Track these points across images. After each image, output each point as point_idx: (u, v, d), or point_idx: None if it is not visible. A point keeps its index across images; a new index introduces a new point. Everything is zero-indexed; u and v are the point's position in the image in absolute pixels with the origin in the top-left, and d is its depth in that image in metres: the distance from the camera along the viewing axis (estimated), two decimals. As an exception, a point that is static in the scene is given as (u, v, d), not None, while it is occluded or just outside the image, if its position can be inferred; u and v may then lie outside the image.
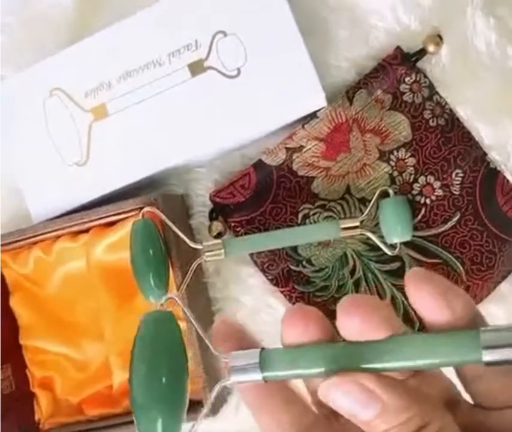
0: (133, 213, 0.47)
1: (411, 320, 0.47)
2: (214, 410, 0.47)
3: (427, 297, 0.22)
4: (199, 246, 0.46)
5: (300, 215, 0.49)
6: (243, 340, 0.25)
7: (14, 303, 0.52)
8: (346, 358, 0.22)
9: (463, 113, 0.48)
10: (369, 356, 0.22)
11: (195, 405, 0.47)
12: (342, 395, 0.21)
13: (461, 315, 0.22)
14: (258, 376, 0.23)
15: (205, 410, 0.25)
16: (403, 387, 0.21)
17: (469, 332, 0.21)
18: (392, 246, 0.47)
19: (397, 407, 0.21)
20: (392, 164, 0.48)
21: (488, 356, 0.20)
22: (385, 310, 0.23)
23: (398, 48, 0.48)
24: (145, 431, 0.24)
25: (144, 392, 0.23)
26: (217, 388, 0.24)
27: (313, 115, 0.48)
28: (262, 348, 0.24)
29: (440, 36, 0.47)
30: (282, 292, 0.49)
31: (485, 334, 0.21)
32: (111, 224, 0.49)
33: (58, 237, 0.50)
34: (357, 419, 0.21)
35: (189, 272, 0.46)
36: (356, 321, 0.22)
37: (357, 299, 0.23)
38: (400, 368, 0.22)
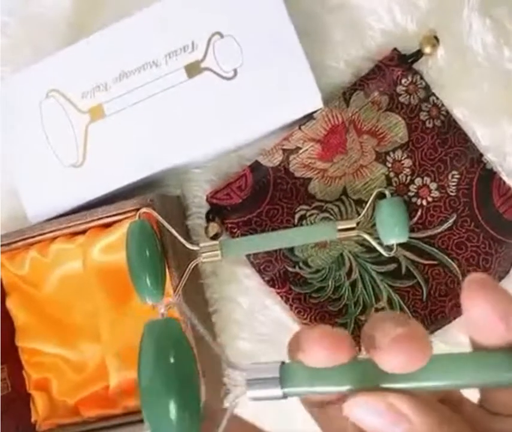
0: (129, 214, 0.47)
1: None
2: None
3: (484, 313, 0.21)
4: (196, 248, 0.46)
5: (297, 216, 0.49)
6: None
7: (11, 304, 0.52)
8: (373, 376, 0.21)
9: (459, 114, 0.48)
10: (397, 375, 0.21)
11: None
12: (369, 414, 0.21)
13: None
14: (277, 391, 0.22)
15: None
16: (430, 407, 0.21)
17: (507, 352, 0.21)
18: (388, 248, 0.47)
19: (424, 428, 0.20)
20: (389, 165, 0.48)
21: None
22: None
23: (395, 49, 0.48)
24: (156, 418, 0.22)
25: (152, 375, 0.22)
26: (233, 403, 0.23)
27: (309, 116, 0.48)
28: (283, 362, 0.22)
29: (436, 38, 0.47)
30: (278, 293, 0.49)
31: None
32: (108, 225, 0.49)
33: (54, 238, 0.50)
34: None
35: (185, 273, 0.46)
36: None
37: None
38: (427, 387, 0.21)
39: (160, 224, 0.45)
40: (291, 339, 0.23)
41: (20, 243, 0.50)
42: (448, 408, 0.22)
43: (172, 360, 0.22)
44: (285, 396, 0.22)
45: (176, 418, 0.22)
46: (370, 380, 0.21)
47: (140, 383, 0.23)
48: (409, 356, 0.20)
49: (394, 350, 0.20)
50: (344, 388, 0.22)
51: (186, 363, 0.23)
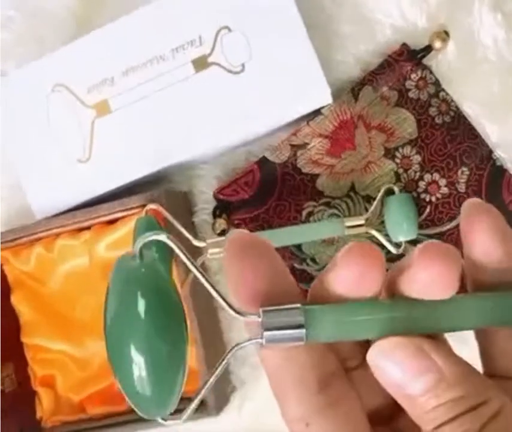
0: (136, 210, 0.47)
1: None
2: (217, 410, 0.47)
3: (482, 234, 0.20)
4: (202, 244, 0.46)
5: (304, 213, 0.49)
6: (278, 275, 0.20)
7: (16, 300, 0.52)
8: (405, 320, 0.20)
9: (469, 110, 0.47)
10: (426, 316, 0.20)
11: (202, 405, 0.47)
12: (395, 362, 0.19)
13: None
14: (299, 333, 0.19)
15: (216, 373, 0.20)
16: (463, 360, 0.19)
17: None
18: (397, 245, 0.46)
19: (455, 380, 0.18)
20: (398, 161, 0.48)
21: None
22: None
23: (404, 44, 0.47)
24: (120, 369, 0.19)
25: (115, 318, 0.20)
26: (240, 346, 0.20)
27: (318, 112, 0.47)
28: (301, 304, 0.19)
29: (446, 33, 0.47)
30: (285, 290, 0.49)
31: None
32: (114, 221, 0.48)
33: (60, 234, 0.49)
34: (403, 393, 0.19)
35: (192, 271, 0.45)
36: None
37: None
38: (465, 327, 0.20)
39: (167, 220, 0.45)
40: (313, 283, 0.21)
41: (25, 239, 0.50)
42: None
43: (141, 309, 0.19)
44: (307, 339, 0.19)
45: (140, 381, 0.19)
46: (407, 324, 0.20)
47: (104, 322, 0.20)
48: (438, 260, 0.19)
49: (423, 258, 0.19)
50: (377, 333, 0.20)
51: (164, 316, 0.20)
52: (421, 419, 0.19)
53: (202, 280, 0.20)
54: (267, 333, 0.19)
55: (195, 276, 0.45)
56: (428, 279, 0.19)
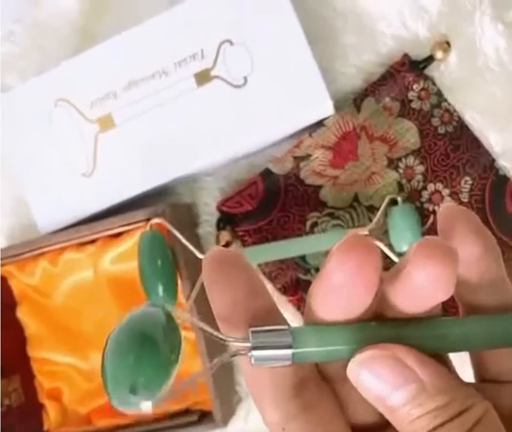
0: (140, 224, 0.47)
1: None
2: (224, 421, 0.47)
3: (461, 232, 0.20)
4: (207, 257, 0.46)
5: (308, 224, 0.49)
6: (253, 290, 0.19)
7: (22, 314, 0.52)
8: (389, 333, 0.19)
9: (471, 119, 0.47)
10: (417, 335, 0.19)
11: (206, 417, 0.47)
12: (373, 374, 0.18)
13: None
14: (285, 352, 0.19)
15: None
16: (443, 368, 0.19)
17: None
18: (401, 255, 0.46)
19: (434, 390, 0.18)
20: (401, 171, 0.48)
21: None
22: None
23: (406, 55, 0.47)
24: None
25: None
26: (227, 357, 0.20)
27: (320, 123, 0.48)
28: (289, 326, 0.20)
29: (448, 43, 0.47)
30: (290, 301, 0.49)
31: None
32: (118, 234, 0.48)
33: (64, 248, 0.50)
34: (385, 405, 0.18)
35: (197, 283, 0.46)
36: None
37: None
38: (450, 348, 0.20)
39: (172, 234, 0.45)
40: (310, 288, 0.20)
41: (29, 254, 0.50)
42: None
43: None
44: (293, 358, 0.19)
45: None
46: (385, 337, 0.19)
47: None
48: (437, 259, 0.18)
49: (420, 256, 0.18)
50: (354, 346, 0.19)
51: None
52: (405, 430, 0.18)
53: (206, 329, 0.20)
54: (255, 353, 0.19)
55: (198, 292, 0.45)
56: (425, 279, 0.18)
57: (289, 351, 0.19)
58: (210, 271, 0.19)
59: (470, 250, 0.20)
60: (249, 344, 0.19)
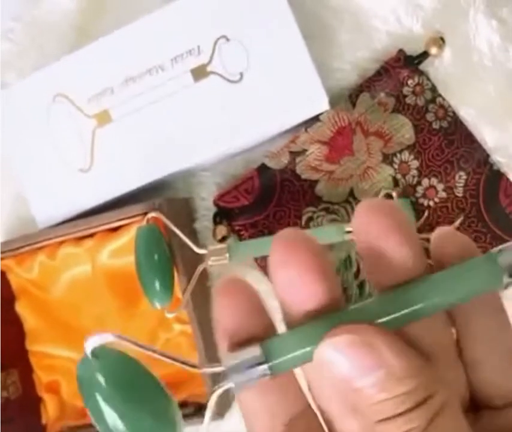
0: (137, 218, 0.47)
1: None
2: (220, 414, 0.47)
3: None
4: (204, 251, 0.46)
5: (304, 218, 0.49)
6: (256, 312, 0.20)
7: (20, 308, 0.53)
8: (366, 316, 0.19)
9: (466, 115, 0.48)
10: (386, 310, 0.19)
11: (202, 409, 0.48)
12: (340, 355, 0.18)
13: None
14: (262, 368, 0.19)
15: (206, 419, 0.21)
16: (412, 351, 0.19)
17: (484, 256, 0.19)
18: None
19: (402, 374, 0.18)
20: (396, 166, 0.48)
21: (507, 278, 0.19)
22: None
23: (401, 51, 0.48)
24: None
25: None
26: (214, 396, 0.20)
27: (316, 118, 0.48)
28: (262, 341, 0.19)
29: (442, 39, 0.47)
30: (286, 295, 0.49)
31: (504, 255, 0.19)
32: (116, 229, 0.49)
33: (62, 242, 0.50)
34: (351, 387, 0.18)
35: (193, 277, 0.46)
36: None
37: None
38: (418, 312, 0.19)
39: (168, 228, 0.45)
40: None
41: (28, 248, 0.50)
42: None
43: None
44: (272, 374, 0.19)
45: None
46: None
47: None
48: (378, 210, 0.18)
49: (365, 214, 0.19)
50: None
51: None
52: (367, 410, 0.18)
53: (151, 352, 0.20)
54: (233, 379, 0.19)
55: (195, 286, 0.45)
56: (375, 234, 0.19)
57: (265, 367, 0.19)
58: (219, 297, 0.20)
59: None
60: (221, 369, 0.19)
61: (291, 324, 0.20)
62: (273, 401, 0.20)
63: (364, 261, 0.20)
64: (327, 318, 0.19)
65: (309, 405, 0.20)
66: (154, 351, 0.20)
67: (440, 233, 0.21)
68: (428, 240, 0.47)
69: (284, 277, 0.19)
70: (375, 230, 0.19)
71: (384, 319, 0.19)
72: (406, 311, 0.19)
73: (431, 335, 0.20)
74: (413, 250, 0.19)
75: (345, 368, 0.18)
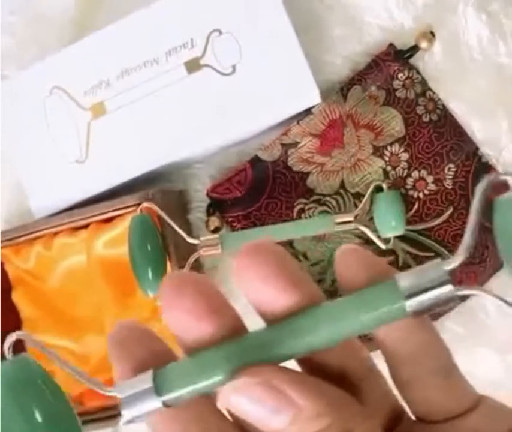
0: (131, 208, 0.48)
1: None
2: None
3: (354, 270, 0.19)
4: (196, 241, 0.47)
5: (296, 210, 0.50)
6: (151, 346, 0.20)
7: (17, 297, 0.54)
8: (254, 350, 0.18)
9: (455, 108, 0.48)
10: (281, 339, 0.18)
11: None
12: (247, 401, 0.17)
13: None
14: (156, 404, 0.18)
15: None
16: (321, 387, 0.18)
17: (386, 282, 0.18)
18: (386, 240, 0.48)
19: (313, 413, 0.17)
20: (386, 159, 0.49)
21: (411, 304, 0.18)
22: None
23: (391, 45, 0.48)
24: None
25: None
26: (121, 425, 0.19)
27: (308, 111, 0.49)
28: (156, 368, 0.19)
29: (432, 33, 0.48)
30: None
31: (404, 280, 0.18)
32: (111, 219, 0.50)
33: (58, 232, 0.51)
34: (267, 427, 0.18)
35: (186, 267, 0.47)
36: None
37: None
38: (319, 344, 0.18)
39: (162, 218, 0.46)
40: None
41: (24, 238, 0.51)
42: (350, 395, 0.19)
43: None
44: (166, 405, 0.18)
45: None
46: (256, 354, 0.18)
47: None
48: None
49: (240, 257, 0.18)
50: (225, 375, 0.18)
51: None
52: None
53: (64, 366, 0.20)
54: (126, 412, 0.19)
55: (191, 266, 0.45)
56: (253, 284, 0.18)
57: (157, 398, 0.18)
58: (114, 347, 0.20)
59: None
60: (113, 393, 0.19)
61: (188, 351, 0.19)
62: (187, 423, 0.19)
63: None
64: (225, 348, 0.18)
65: (234, 422, 0.19)
66: (66, 364, 0.20)
67: (343, 250, 0.20)
68: (417, 231, 0.48)
69: (174, 319, 0.18)
70: (254, 281, 0.18)
71: (283, 352, 0.18)
72: (293, 344, 0.18)
73: (350, 361, 0.20)
74: (298, 290, 0.18)
75: (253, 411, 0.17)
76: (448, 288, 0.18)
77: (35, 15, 0.57)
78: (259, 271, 0.18)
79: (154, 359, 0.19)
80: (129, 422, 0.19)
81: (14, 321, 0.54)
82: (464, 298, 0.48)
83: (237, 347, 0.18)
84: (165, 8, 0.48)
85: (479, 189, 0.18)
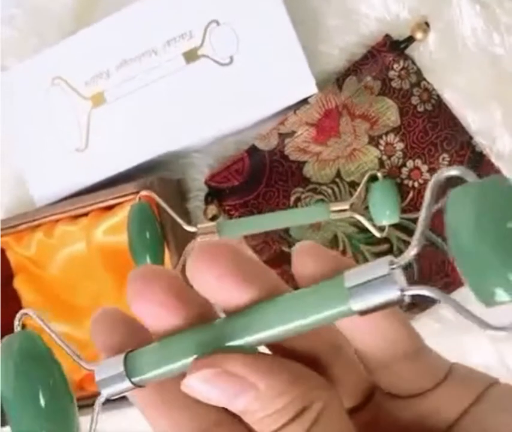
0: (130, 197, 0.49)
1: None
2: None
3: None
4: (193, 229, 0.48)
5: (292, 199, 0.51)
6: (132, 331, 0.20)
7: (18, 284, 0.55)
8: (217, 337, 0.19)
9: (449, 98, 0.49)
10: (239, 329, 0.18)
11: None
12: (208, 387, 0.18)
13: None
14: (127, 384, 0.19)
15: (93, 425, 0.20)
16: (281, 366, 0.18)
17: (333, 280, 0.18)
18: (381, 229, 0.48)
19: (273, 392, 0.18)
20: (381, 148, 0.50)
21: (357, 303, 0.17)
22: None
23: (387, 35, 0.49)
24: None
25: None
26: (97, 408, 0.20)
27: (304, 101, 0.49)
28: (128, 352, 0.20)
29: (427, 24, 0.49)
30: (275, 273, 0.51)
31: (350, 279, 0.17)
32: (110, 207, 0.50)
33: (59, 220, 0.52)
34: (233, 409, 0.18)
35: (183, 254, 0.48)
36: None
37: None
38: (268, 338, 0.18)
39: (160, 206, 0.47)
40: None
41: (26, 225, 0.52)
42: (315, 372, 0.19)
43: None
44: (138, 385, 0.19)
45: None
46: (218, 341, 0.19)
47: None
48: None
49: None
50: (192, 359, 0.19)
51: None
52: (255, 426, 0.19)
53: (55, 338, 0.21)
54: (103, 391, 0.20)
55: (185, 263, 0.46)
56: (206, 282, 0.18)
57: (129, 383, 0.19)
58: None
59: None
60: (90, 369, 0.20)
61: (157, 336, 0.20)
62: (181, 415, 0.20)
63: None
64: (189, 334, 0.19)
65: (227, 410, 0.19)
66: (60, 339, 0.22)
67: (300, 248, 0.20)
68: (412, 220, 0.49)
69: (141, 309, 0.19)
70: (209, 281, 0.19)
71: (240, 341, 0.19)
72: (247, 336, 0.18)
73: (319, 345, 0.20)
74: (253, 285, 0.19)
75: (215, 397, 0.18)
76: (393, 289, 0.17)
77: (36, 7, 0.58)
78: (213, 271, 0.18)
79: (133, 343, 0.20)
80: (107, 400, 0.20)
81: (15, 306, 0.55)
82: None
83: (200, 335, 0.19)
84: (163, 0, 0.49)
85: (431, 184, 0.17)
